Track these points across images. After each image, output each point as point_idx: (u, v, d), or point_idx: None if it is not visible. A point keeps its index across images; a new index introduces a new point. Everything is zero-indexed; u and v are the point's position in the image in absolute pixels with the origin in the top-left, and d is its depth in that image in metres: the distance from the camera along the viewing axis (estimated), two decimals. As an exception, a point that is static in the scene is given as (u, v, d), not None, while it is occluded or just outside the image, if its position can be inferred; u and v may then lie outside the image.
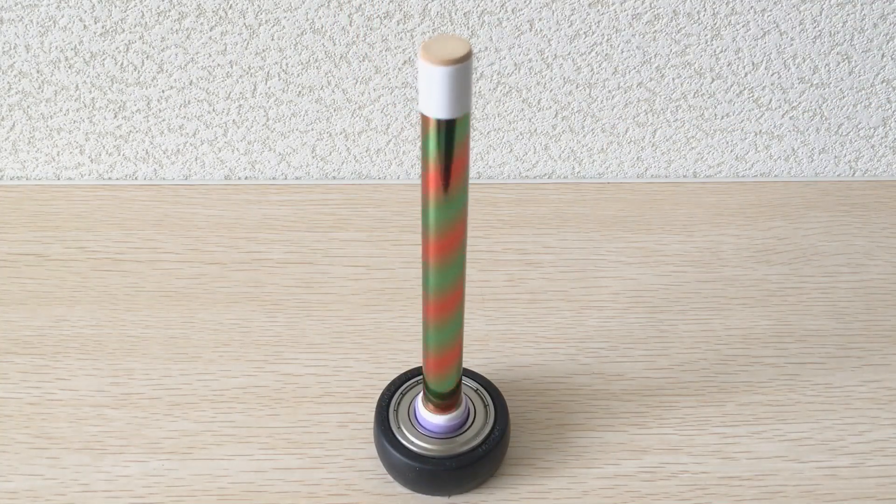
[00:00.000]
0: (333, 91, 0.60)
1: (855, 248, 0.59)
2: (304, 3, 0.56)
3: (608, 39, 0.58)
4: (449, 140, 0.32)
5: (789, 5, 0.58)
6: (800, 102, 0.62)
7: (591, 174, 0.65)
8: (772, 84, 0.61)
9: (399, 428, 0.43)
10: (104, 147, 0.62)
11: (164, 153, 0.62)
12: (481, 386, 0.45)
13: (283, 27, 0.57)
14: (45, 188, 0.62)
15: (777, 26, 0.59)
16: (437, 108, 0.31)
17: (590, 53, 0.59)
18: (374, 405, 0.45)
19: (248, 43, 0.57)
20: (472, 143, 0.61)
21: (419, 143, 0.63)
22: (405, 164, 0.63)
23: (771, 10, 0.58)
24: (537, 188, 0.63)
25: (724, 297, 0.55)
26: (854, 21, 0.59)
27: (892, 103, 0.63)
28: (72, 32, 0.57)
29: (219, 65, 0.58)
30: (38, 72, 0.58)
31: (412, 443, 0.42)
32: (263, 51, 0.58)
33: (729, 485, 0.44)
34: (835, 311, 0.54)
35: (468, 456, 0.42)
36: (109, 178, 0.63)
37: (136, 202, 0.61)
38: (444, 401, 0.42)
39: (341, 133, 0.62)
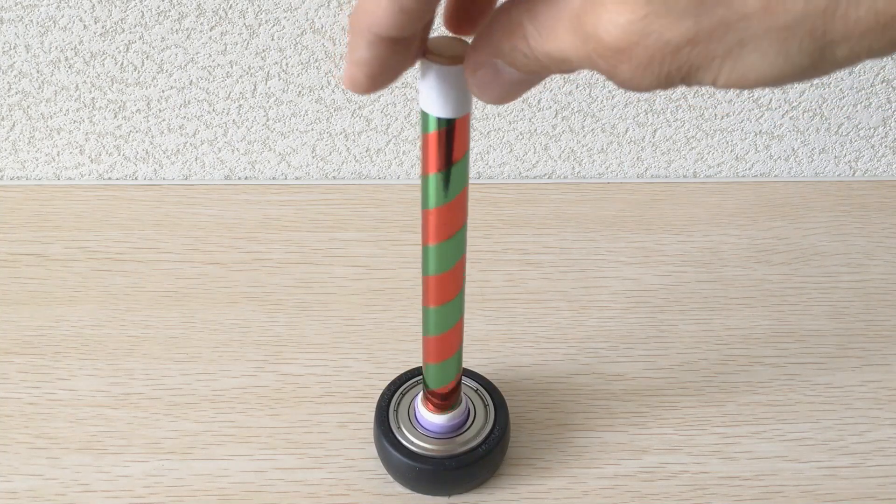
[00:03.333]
0: (333, 91, 0.60)
1: (855, 248, 0.59)
2: (304, 3, 0.56)
3: (608, 39, 0.58)
4: (449, 139, 0.32)
5: (789, 5, 0.58)
6: (800, 102, 0.62)
7: (591, 174, 0.65)
8: (772, 84, 0.61)
9: (399, 428, 0.43)
10: (104, 147, 0.62)
11: (164, 153, 0.62)
12: (481, 386, 0.45)
13: (283, 27, 0.57)
14: (45, 188, 0.62)
15: (777, 26, 0.59)
16: (439, 107, 0.31)
17: (590, 53, 0.59)
18: (374, 405, 0.45)
19: (248, 43, 0.57)
20: (472, 143, 0.61)
21: (419, 143, 0.63)
22: (405, 164, 0.63)
23: (771, 10, 0.58)
24: (537, 188, 0.63)
25: (724, 297, 0.55)
26: (854, 21, 0.59)
27: (892, 103, 0.63)
28: (72, 32, 0.57)
29: (219, 65, 0.58)
30: (38, 72, 0.58)
31: (412, 443, 0.42)
32: (263, 51, 0.58)
33: (729, 485, 0.44)
34: (835, 311, 0.54)
35: (468, 456, 0.42)
36: (109, 178, 0.63)
37: (136, 202, 0.61)
38: (446, 400, 0.42)
39: (341, 133, 0.62)
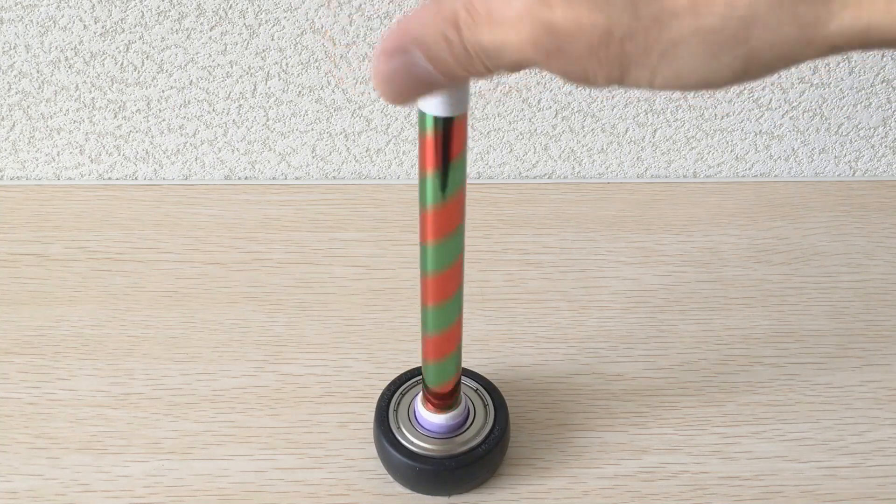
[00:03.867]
0: (333, 91, 0.60)
1: (855, 248, 0.59)
2: (304, 3, 0.56)
3: (608, 39, 0.58)
4: (446, 137, 0.32)
5: (789, 5, 0.58)
6: (800, 102, 0.62)
7: (591, 174, 0.65)
8: (772, 84, 0.61)
9: (399, 428, 0.43)
10: (104, 147, 0.62)
11: (164, 153, 0.62)
12: (481, 386, 0.45)
13: (283, 27, 0.57)
14: (45, 188, 0.62)
15: (777, 26, 0.59)
16: (435, 106, 0.31)
17: (590, 53, 0.59)
18: (374, 405, 0.45)
19: (248, 43, 0.58)
20: (471, 143, 0.61)
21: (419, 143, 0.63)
22: (405, 164, 0.63)
23: (771, 10, 0.58)
24: (537, 188, 0.63)
25: (724, 297, 0.55)
26: (854, 21, 0.59)
27: (892, 103, 0.63)
28: (72, 32, 0.57)
29: (219, 65, 0.58)
30: (38, 72, 0.58)
31: (412, 443, 0.42)
32: (263, 51, 0.58)
33: (729, 485, 0.44)
34: (835, 311, 0.54)
35: (468, 456, 0.42)
36: (109, 178, 0.63)
37: (136, 202, 0.61)
38: (445, 400, 0.42)
39: (341, 133, 0.62)
